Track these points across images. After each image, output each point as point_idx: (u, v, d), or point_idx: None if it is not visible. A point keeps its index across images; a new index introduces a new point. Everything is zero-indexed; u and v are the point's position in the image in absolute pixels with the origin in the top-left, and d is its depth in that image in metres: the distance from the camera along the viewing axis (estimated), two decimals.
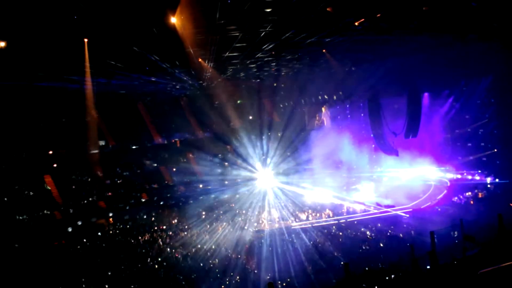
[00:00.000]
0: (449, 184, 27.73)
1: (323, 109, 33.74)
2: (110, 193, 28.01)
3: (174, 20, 12.19)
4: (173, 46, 15.01)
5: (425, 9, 12.68)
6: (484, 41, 17.50)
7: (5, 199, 23.02)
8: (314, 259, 18.99)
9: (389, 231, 21.65)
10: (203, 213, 26.73)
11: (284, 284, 16.90)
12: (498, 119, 24.66)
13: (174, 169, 31.38)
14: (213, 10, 11.82)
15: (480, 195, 24.95)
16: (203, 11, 11.94)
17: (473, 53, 20.18)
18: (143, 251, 21.50)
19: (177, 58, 17.96)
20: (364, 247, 20.03)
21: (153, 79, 22.61)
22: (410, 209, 24.59)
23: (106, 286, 17.70)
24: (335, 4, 12.12)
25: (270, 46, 17.48)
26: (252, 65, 22.17)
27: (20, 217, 23.29)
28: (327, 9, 12.31)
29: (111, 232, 24.65)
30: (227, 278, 17.74)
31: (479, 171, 26.75)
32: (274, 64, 22.60)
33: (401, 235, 20.88)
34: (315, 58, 21.67)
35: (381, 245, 20.10)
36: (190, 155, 31.69)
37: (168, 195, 29.43)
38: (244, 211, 26.78)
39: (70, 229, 23.94)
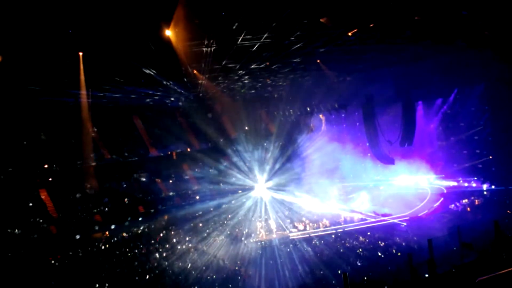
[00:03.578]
0: (445, 191, 27.81)
1: (321, 117, 33.87)
2: (106, 207, 27.82)
3: (168, 32, 12.25)
4: (167, 59, 15.06)
5: (417, 18, 12.82)
6: (476, 49, 17.68)
7: (0, 213, 22.82)
8: (312, 270, 18.91)
9: (387, 240, 21.60)
10: (200, 224, 26.60)
11: None
12: (492, 126, 24.83)
13: (171, 181, 31.29)
14: (207, 22, 11.91)
15: (476, 202, 25.02)
16: (197, 24, 12.01)
17: (465, 61, 20.39)
18: (140, 264, 21.32)
19: (172, 71, 18.01)
20: (362, 256, 19.97)
21: (148, 92, 22.64)
22: (407, 217, 24.60)
23: None
24: (329, 15, 12.24)
25: (265, 57, 17.59)
26: (247, 76, 22.26)
27: (15, 232, 23.07)
28: (321, 20, 12.43)
29: (107, 245, 24.45)
30: None
31: (475, 178, 26.86)
32: (268, 74, 22.69)
33: (398, 243, 20.87)
34: (309, 68, 21.79)
35: (379, 254, 20.05)
36: (186, 167, 31.62)
37: (165, 207, 29.27)
38: (241, 222, 26.67)
39: (66, 243, 23.71)
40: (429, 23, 13.43)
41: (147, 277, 19.66)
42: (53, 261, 21.70)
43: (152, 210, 28.86)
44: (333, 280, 17.10)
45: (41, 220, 24.41)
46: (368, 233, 22.81)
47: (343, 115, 33.17)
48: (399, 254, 19.21)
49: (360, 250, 20.79)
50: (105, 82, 18.24)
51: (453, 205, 25.47)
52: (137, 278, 19.56)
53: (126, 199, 28.96)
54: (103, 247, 24.23)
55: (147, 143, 30.53)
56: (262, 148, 32.63)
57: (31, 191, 24.89)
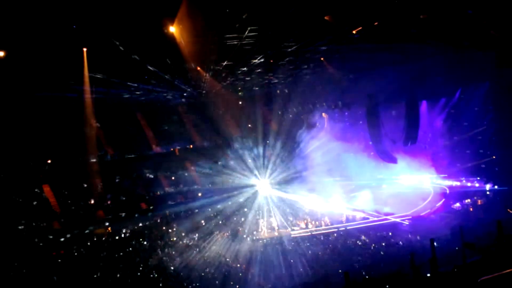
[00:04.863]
0: (448, 191, 27.71)
1: (323, 115, 33.79)
2: (108, 203, 27.88)
3: (172, 29, 12.25)
4: (171, 55, 15.07)
5: (422, 17, 12.77)
6: (480, 49, 17.60)
7: (3, 208, 22.89)
8: (314, 268, 18.91)
9: (389, 239, 21.58)
10: (202, 222, 26.60)
11: None
12: (496, 126, 24.71)
13: (173, 178, 31.31)
14: (211, 19, 11.90)
15: (479, 202, 24.94)
16: (201, 21, 12.00)
17: (469, 61, 20.29)
18: (142, 260, 21.36)
19: (176, 67, 18.02)
20: (364, 255, 19.95)
21: (151, 88, 22.65)
22: (410, 217, 24.54)
23: None
24: (333, 12, 12.21)
25: (269, 55, 17.57)
26: (250, 74, 22.23)
27: (18, 227, 23.14)
28: (325, 17, 12.39)
29: (109, 241, 24.51)
30: None
31: (478, 178, 26.74)
32: (272, 72, 22.67)
33: (400, 242, 20.84)
34: (313, 66, 21.76)
35: (381, 253, 20.03)
36: (189, 164, 31.62)
37: (167, 204, 29.31)
38: (243, 220, 26.68)
39: (68, 239, 23.79)
40: (434, 22, 13.37)
41: (149, 273, 19.71)
42: (55, 257, 21.77)
43: (154, 207, 28.91)
44: (334, 278, 17.08)
45: (43, 215, 24.48)
46: (370, 232, 22.77)
47: (346, 113, 33.07)
48: (401, 253, 19.18)
49: (362, 248, 20.78)
50: (108, 78, 18.24)
51: (457, 205, 25.40)
52: (139, 274, 19.61)
53: (128, 195, 29.00)
54: (105, 243, 24.30)
55: (150, 139, 30.54)
56: (264, 146, 32.58)
57: (34, 187, 24.98)
